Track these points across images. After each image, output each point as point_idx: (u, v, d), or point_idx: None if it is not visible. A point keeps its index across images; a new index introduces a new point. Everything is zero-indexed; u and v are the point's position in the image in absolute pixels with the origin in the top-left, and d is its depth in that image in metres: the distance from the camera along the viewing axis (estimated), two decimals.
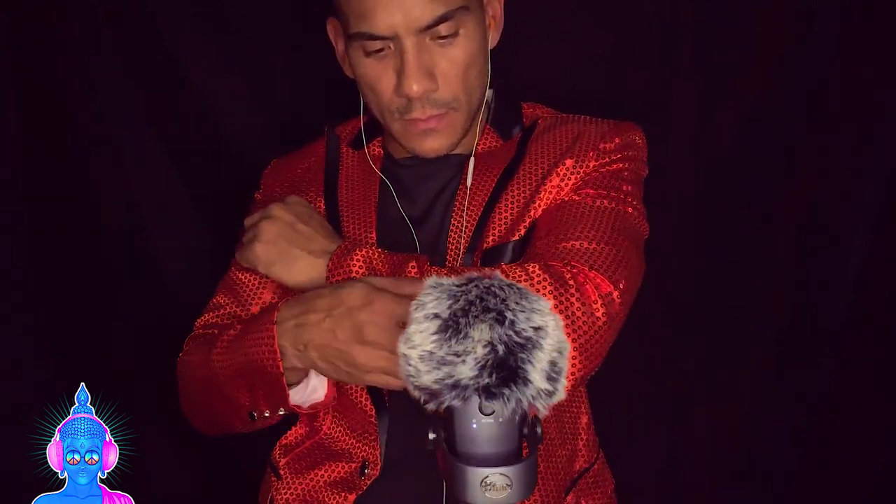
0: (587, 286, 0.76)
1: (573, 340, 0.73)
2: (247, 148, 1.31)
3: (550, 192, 0.87)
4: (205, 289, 1.36)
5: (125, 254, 1.34)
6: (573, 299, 0.74)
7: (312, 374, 0.84)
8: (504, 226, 0.87)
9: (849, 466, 1.31)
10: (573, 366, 0.74)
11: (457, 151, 0.92)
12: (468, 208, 0.89)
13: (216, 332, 0.91)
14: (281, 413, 0.85)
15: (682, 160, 1.26)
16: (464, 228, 0.88)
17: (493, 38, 0.91)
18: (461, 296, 0.59)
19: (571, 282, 0.75)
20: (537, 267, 0.76)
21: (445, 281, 0.60)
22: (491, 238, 0.87)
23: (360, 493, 0.88)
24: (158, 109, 1.30)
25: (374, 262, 0.82)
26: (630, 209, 0.87)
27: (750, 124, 1.26)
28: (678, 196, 1.27)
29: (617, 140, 0.89)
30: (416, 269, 0.80)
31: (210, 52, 1.29)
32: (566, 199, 0.86)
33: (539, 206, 0.87)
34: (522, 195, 0.88)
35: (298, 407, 0.85)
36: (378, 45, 0.82)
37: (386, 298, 0.74)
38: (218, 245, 1.28)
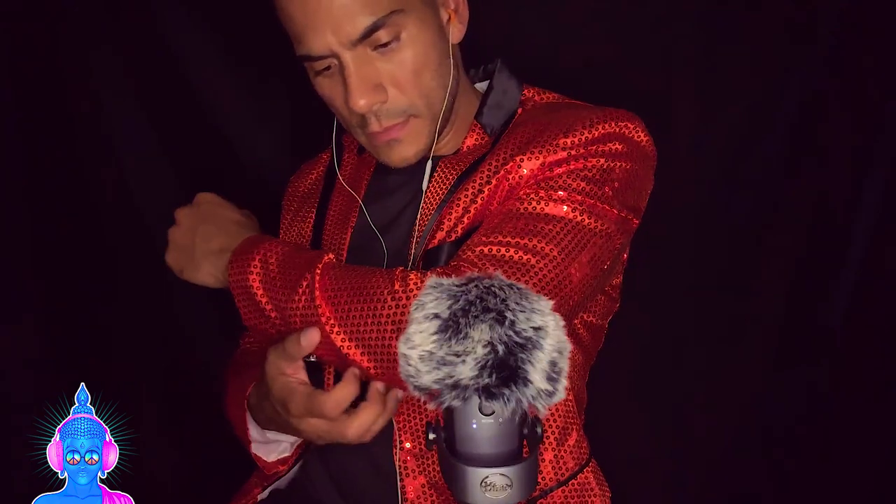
0: None
1: None
2: (247, 149, 1.31)
3: (498, 191, 0.82)
4: (204, 289, 1.36)
5: (125, 254, 1.34)
6: None
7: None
8: (450, 224, 0.83)
9: (849, 466, 1.31)
10: None
11: (441, 153, 0.89)
12: (425, 208, 0.86)
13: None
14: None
15: (683, 159, 1.26)
16: (424, 230, 0.86)
17: (455, 33, 0.86)
18: (461, 296, 0.59)
19: None
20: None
21: (445, 281, 0.60)
22: (437, 238, 0.83)
23: (268, 483, 0.95)
24: (158, 109, 1.30)
25: (270, 263, 0.78)
26: (590, 217, 0.78)
27: (750, 124, 1.26)
28: (678, 195, 1.26)
29: (592, 133, 0.81)
30: (306, 283, 0.75)
31: (210, 52, 1.29)
32: (521, 201, 0.79)
33: (483, 204, 0.82)
34: (472, 191, 0.83)
35: (262, 460, 0.91)
36: (322, 63, 0.81)
37: (279, 365, 0.74)
38: None
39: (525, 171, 0.81)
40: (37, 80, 1.26)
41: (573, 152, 0.80)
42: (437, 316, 0.58)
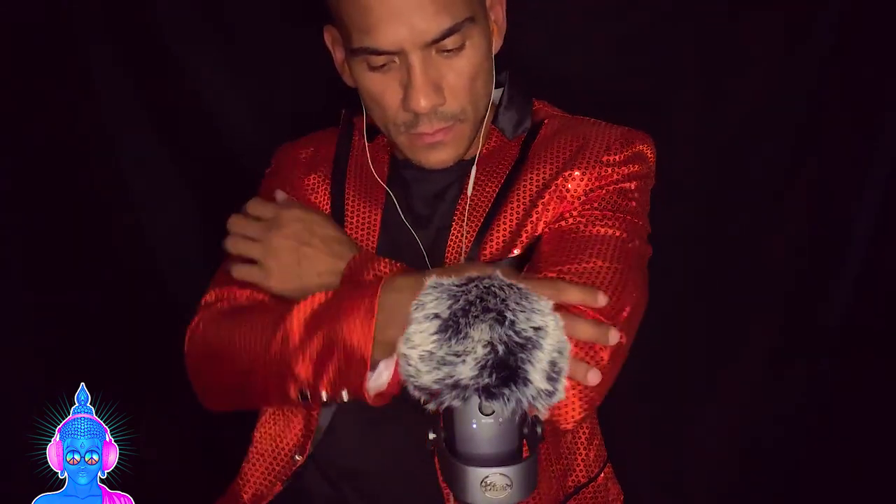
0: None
1: (577, 383, 0.72)
2: (247, 149, 1.31)
3: (549, 207, 0.86)
4: (205, 288, 1.36)
5: (125, 254, 1.34)
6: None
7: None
8: (503, 238, 0.86)
9: (849, 466, 1.31)
10: (574, 408, 0.74)
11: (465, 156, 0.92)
12: (469, 215, 0.88)
13: (254, 301, 0.88)
14: (343, 399, 0.77)
15: (683, 158, 1.26)
16: (464, 237, 0.87)
17: (496, 44, 0.90)
18: (461, 296, 0.59)
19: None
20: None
21: (445, 281, 0.60)
22: (489, 250, 0.86)
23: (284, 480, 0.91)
24: (158, 109, 1.30)
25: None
26: (633, 235, 0.84)
27: (751, 123, 1.26)
28: (678, 195, 1.27)
29: (624, 152, 0.87)
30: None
31: (211, 52, 1.29)
32: (570, 222, 0.84)
33: (537, 220, 0.85)
34: (522, 206, 0.86)
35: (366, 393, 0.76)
36: (382, 59, 0.80)
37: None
38: (219, 245, 1.28)
39: (573, 187, 0.85)
40: (36, 81, 1.26)
41: (616, 169, 0.86)
42: (437, 316, 0.58)
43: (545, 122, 0.92)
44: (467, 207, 0.88)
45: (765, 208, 1.29)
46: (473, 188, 0.89)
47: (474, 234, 0.86)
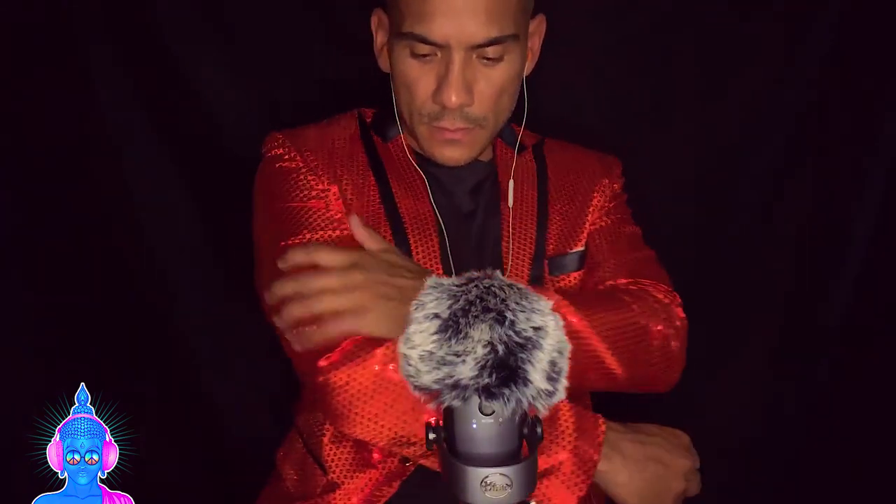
0: (675, 297, 0.91)
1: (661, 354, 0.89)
2: (248, 148, 1.31)
3: (594, 211, 0.97)
4: (204, 288, 1.36)
5: (125, 253, 1.34)
6: (674, 313, 0.91)
7: None
8: (559, 237, 0.94)
9: (848, 466, 1.31)
10: (657, 377, 0.91)
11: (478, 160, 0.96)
12: (517, 220, 0.94)
13: None
14: None
15: (683, 158, 1.26)
16: (525, 240, 0.93)
17: (528, 68, 0.94)
18: (461, 296, 0.59)
19: (667, 299, 0.90)
20: (660, 286, 0.91)
21: (445, 281, 0.60)
22: (551, 247, 0.93)
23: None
24: (158, 109, 1.30)
25: None
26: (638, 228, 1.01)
27: (751, 123, 1.26)
28: (678, 195, 1.27)
29: (620, 169, 1.02)
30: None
31: (211, 52, 1.29)
32: (608, 222, 0.97)
33: (589, 220, 0.97)
34: (570, 209, 0.96)
35: None
36: (427, 49, 0.84)
37: None
38: (218, 245, 1.28)
39: (603, 196, 0.98)
40: (36, 81, 1.26)
41: (621, 183, 1.01)
42: (437, 316, 0.58)
43: (545, 140, 1.03)
44: (511, 215, 0.94)
45: (765, 208, 1.29)
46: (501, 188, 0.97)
47: (532, 236, 0.93)
